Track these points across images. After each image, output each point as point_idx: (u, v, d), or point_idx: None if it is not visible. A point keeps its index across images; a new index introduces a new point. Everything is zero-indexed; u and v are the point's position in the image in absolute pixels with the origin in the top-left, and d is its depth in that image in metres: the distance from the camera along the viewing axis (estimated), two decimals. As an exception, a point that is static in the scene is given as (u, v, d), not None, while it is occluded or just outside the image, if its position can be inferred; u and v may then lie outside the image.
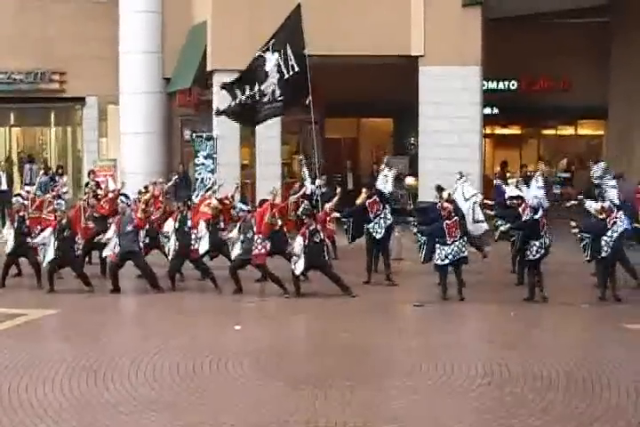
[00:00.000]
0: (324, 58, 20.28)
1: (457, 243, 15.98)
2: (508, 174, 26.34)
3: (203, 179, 21.86)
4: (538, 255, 15.77)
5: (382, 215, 17.29)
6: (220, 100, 20.60)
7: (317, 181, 19.23)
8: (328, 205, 17.39)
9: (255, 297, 16.37)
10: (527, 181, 22.24)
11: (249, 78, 18.23)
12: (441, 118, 22.98)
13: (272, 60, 17.89)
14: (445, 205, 16.46)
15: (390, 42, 22.88)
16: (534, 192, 16.86)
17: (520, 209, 16.70)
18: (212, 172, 23.63)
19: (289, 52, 17.67)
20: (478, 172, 23.22)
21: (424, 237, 16.23)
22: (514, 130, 31.04)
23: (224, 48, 23.15)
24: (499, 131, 30.35)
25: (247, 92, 18.10)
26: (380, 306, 15.63)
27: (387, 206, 17.40)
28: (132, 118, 26.42)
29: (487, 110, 25.95)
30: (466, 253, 16.13)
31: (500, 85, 28.92)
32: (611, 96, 26.35)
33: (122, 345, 12.79)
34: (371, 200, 17.42)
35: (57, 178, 24.55)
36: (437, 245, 15.98)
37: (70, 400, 10.15)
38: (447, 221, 16.11)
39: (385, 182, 17.51)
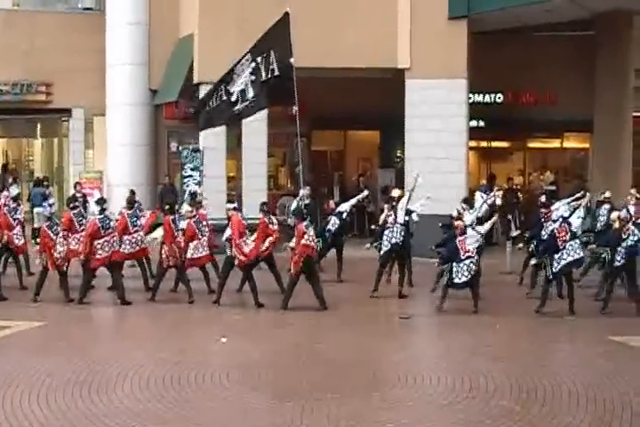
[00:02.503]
0: (310, 70, 20.34)
1: (472, 259, 16.01)
2: (495, 187, 26.46)
3: (190, 191, 21.83)
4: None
5: (392, 229, 17.49)
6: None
7: (301, 192, 19.25)
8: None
9: (241, 309, 16.39)
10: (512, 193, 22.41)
11: (219, 81, 18.27)
12: (427, 131, 23.07)
13: (245, 62, 17.89)
14: (457, 222, 16.50)
15: (377, 55, 22.98)
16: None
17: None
18: (199, 184, 23.64)
19: (272, 56, 17.70)
20: (464, 184, 23.29)
21: (446, 265, 16.20)
22: (500, 143, 31.11)
23: (211, 61, 23.15)
24: (485, 144, 30.41)
25: (214, 95, 18.14)
26: (367, 318, 15.65)
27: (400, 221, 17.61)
28: (119, 130, 26.44)
29: (473, 123, 26.02)
30: (475, 273, 16.09)
31: (487, 98, 28.98)
32: (596, 109, 26.44)
33: (108, 357, 12.73)
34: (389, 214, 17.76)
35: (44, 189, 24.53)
36: (453, 264, 15.99)
37: (56, 413, 10.11)
38: (459, 238, 16.16)
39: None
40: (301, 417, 9.97)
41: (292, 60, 17.44)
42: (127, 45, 26.49)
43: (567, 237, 15.82)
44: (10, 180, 25.72)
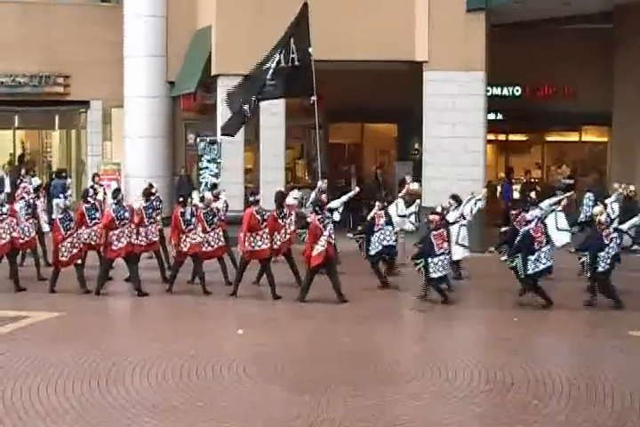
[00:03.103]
0: (327, 63, 20.30)
1: (445, 256, 16.08)
2: (512, 180, 26.39)
3: (207, 183, 21.86)
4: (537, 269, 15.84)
5: (383, 231, 17.55)
6: (224, 109, 20.62)
7: (319, 184, 19.25)
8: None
9: (258, 301, 16.40)
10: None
11: (253, 85, 18.26)
12: (445, 124, 23.00)
13: (276, 58, 17.99)
14: (432, 217, 16.51)
15: (394, 47, 22.91)
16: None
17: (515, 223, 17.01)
18: (216, 176, 23.66)
19: (292, 44, 17.74)
20: (482, 178, 23.22)
21: (422, 259, 16.21)
22: (518, 136, 31.03)
23: (228, 52, 23.19)
24: (503, 137, 30.33)
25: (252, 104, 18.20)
26: (382, 311, 15.65)
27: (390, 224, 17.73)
28: (136, 122, 26.47)
29: (491, 116, 25.95)
30: (446, 272, 16.23)
31: (505, 91, 28.92)
32: (615, 102, 26.33)
33: (125, 349, 12.80)
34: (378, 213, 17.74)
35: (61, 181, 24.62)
36: (429, 259, 16.03)
37: (73, 403, 10.15)
38: (434, 232, 16.19)
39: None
40: (317, 410, 9.97)
41: (310, 49, 17.44)
42: (145, 37, 26.50)
43: (542, 239, 15.81)
44: (23, 171, 25.81)
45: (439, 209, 16.93)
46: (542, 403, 10.29)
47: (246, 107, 18.33)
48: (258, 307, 16.05)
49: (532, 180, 27.30)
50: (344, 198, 19.55)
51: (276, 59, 17.91)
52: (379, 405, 10.18)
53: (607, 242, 15.76)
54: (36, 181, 20.72)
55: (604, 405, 10.24)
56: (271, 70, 17.89)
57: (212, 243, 17.29)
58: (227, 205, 18.71)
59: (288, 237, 17.05)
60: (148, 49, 26.48)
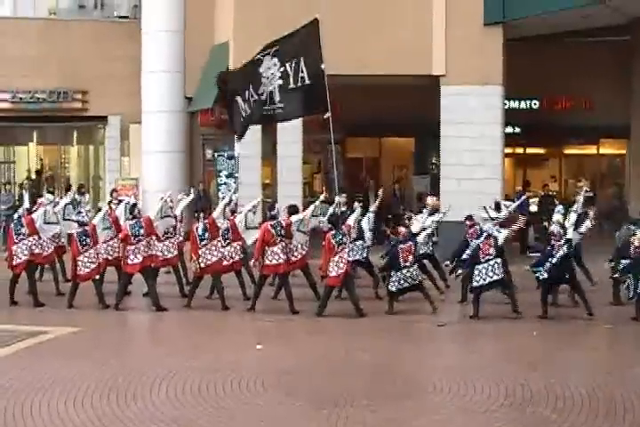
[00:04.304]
0: (345, 78, 20.36)
1: (410, 269, 16.14)
2: (529, 193, 26.26)
3: (224, 197, 21.85)
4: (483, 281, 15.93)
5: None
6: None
7: (337, 199, 19.22)
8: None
9: (276, 316, 16.39)
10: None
11: (242, 81, 18.13)
12: (462, 138, 22.98)
13: (269, 64, 17.82)
14: (400, 229, 16.65)
15: (412, 62, 22.93)
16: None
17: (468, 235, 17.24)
18: (235, 191, 23.68)
19: (301, 64, 17.65)
20: (500, 191, 23.17)
21: (386, 272, 16.39)
22: (535, 149, 30.97)
23: (246, 68, 23.20)
24: (520, 150, 30.28)
25: (246, 97, 18.08)
26: (400, 325, 15.61)
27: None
28: (154, 137, 26.56)
29: (509, 130, 25.91)
30: (417, 281, 16.32)
31: (522, 105, 28.91)
32: (633, 115, 26.28)
33: (143, 363, 12.80)
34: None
35: (78, 197, 24.64)
36: (392, 272, 16.12)
37: (92, 418, 10.15)
38: (401, 245, 16.23)
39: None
40: (337, 424, 9.95)
41: (322, 66, 17.42)
42: (163, 53, 26.64)
43: (491, 251, 15.88)
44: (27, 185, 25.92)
45: (406, 220, 17.17)
46: (562, 417, 10.22)
47: (239, 99, 18.12)
48: (276, 322, 16.02)
49: (550, 192, 27.20)
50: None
51: (285, 76, 17.71)
52: (398, 419, 10.14)
53: (554, 252, 15.84)
54: (49, 197, 20.76)
55: (624, 419, 10.17)
56: (278, 85, 17.72)
57: (228, 257, 17.31)
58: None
59: (300, 256, 16.92)
60: (165, 64, 26.61)
